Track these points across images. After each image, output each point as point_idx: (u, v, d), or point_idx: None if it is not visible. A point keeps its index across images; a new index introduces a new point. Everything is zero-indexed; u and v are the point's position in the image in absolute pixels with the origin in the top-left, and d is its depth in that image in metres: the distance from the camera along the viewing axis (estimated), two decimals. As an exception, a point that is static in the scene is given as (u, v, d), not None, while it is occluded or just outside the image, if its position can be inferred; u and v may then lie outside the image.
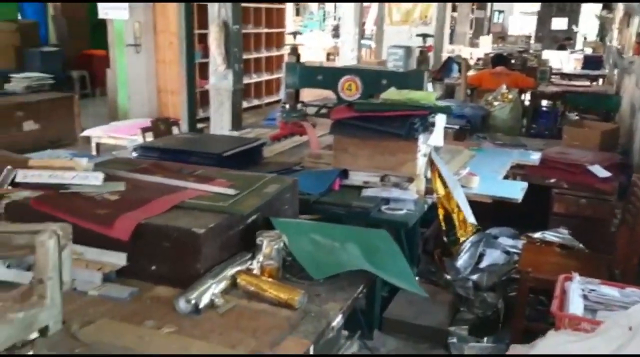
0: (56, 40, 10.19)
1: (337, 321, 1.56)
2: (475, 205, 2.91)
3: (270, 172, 2.36)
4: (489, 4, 18.45)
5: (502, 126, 5.22)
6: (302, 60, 3.94)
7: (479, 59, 9.54)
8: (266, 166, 3.09)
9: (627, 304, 2.04)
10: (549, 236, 3.35)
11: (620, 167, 4.18)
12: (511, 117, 5.40)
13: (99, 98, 9.78)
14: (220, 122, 4.96)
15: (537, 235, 3.38)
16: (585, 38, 16.11)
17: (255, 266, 1.73)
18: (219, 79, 4.91)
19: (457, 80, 7.03)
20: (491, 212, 3.47)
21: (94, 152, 5.28)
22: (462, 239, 2.96)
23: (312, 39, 13.40)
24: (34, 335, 0.99)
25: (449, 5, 12.09)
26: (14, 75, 7.08)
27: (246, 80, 8.53)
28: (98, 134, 5.44)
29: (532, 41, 14.82)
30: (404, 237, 2.74)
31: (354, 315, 2.13)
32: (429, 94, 3.07)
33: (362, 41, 9.12)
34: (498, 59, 7.09)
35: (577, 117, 6.14)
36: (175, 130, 4.59)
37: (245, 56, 8.10)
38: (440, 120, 3.00)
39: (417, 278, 3.19)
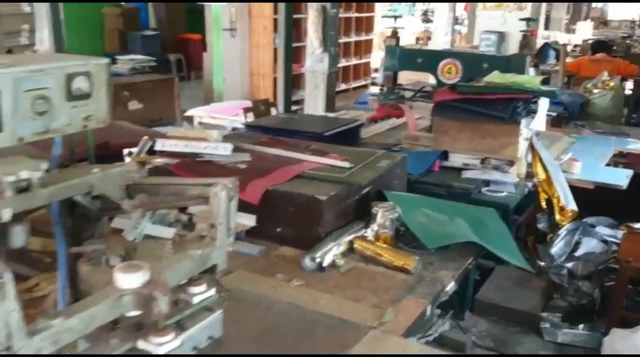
0: (155, 24, 10.71)
1: (451, 286, 1.67)
2: (573, 193, 2.90)
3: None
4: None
5: (602, 115, 5.06)
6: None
7: (576, 46, 9.16)
8: (365, 147, 3.18)
9: None
10: (651, 226, 3.26)
11: None
12: (612, 106, 5.21)
13: (194, 81, 10.22)
14: (314, 104, 5.12)
15: (639, 225, 3.29)
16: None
17: (369, 233, 1.85)
18: (315, 62, 5.06)
19: (554, 67, 6.83)
20: (589, 201, 3.41)
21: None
22: (561, 224, 2.95)
23: (401, 24, 13.29)
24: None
25: (545, -11, 11.64)
26: (120, 57, 7.57)
27: (337, 65, 8.64)
28: (200, 113, 5.75)
29: (637, 26, 13.96)
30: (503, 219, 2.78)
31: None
32: (534, 78, 3.07)
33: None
34: (598, 45, 6.83)
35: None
36: (273, 111, 4.79)
37: (336, 40, 8.21)
38: (544, 104, 3.00)
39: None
